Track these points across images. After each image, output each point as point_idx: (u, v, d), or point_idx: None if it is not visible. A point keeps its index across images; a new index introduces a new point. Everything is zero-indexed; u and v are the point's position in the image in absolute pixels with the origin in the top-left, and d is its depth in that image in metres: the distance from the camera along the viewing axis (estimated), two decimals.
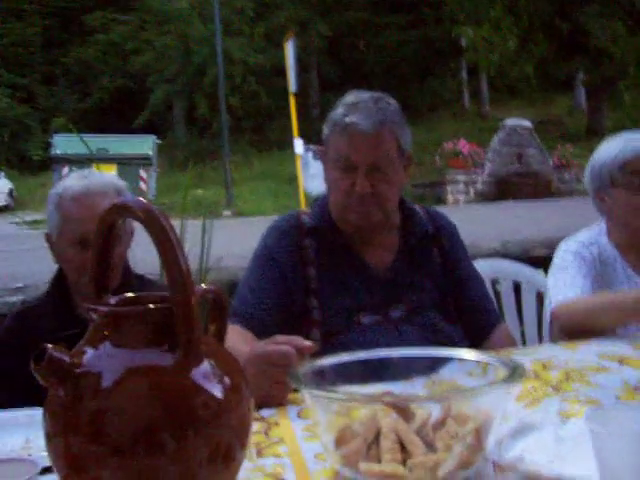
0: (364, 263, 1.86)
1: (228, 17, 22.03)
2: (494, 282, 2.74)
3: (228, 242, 5.00)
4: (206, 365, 0.76)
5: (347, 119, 1.76)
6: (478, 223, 7.99)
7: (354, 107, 1.78)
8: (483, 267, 2.74)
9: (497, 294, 2.72)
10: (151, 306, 0.76)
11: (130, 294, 0.86)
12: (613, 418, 0.90)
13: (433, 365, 1.17)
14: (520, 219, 7.69)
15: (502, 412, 1.03)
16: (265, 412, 1.33)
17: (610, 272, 2.03)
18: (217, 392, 0.75)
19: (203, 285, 0.83)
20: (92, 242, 0.83)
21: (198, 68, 22.73)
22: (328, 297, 1.81)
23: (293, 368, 1.09)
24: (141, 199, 0.75)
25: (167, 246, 0.70)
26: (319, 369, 1.12)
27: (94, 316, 0.77)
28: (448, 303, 1.89)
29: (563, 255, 2.05)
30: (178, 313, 0.73)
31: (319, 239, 1.87)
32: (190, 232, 3.59)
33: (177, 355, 0.74)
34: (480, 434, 0.98)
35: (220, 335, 0.86)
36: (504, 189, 14.82)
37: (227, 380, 0.77)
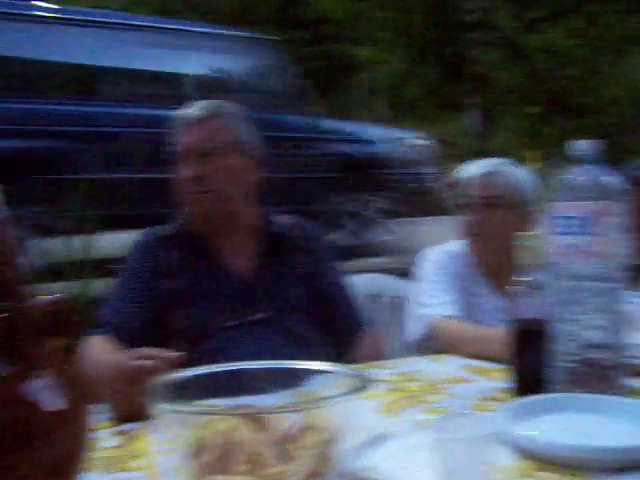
0: (225, 268, 1.89)
1: None
2: (374, 297, 2.79)
3: None
4: (42, 378, 0.75)
5: (180, 112, 1.90)
6: None
7: (191, 105, 1.91)
8: (363, 282, 2.79)
9: (377, 309, 2.78)
10: None
11: None
12: (455, 425, 0.95)
13: (293, 378, 1.19)
14: (409, 235, 7.87)
15: (352, 422, 1.06)
16: (128, 426, 1.32)
17: (472, 285, 2.12)
18: (52, 406, 0.74)
19: (48, 296, 0.82)
20: None
21: None
22: (189, 305, 1.83)
23: (148, 383, 1.08)
24: None
25: None
26: (175, 382, 1.12)
27: None
28: (312, 310, 1.94)
29: (431, 265, 2.12)
30: (12, 322, 0.72)
31: (180, 248, 1.89)
32: None
33: (11, 367, 0.73)
34: (329, 444, 1.00)
35: (66, 348, 0.84)
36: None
37: (64, 394, 0.76)
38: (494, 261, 2.09)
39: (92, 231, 3.69)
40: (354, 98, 26.01)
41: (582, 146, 1.40)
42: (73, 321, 0.85)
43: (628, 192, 1.41)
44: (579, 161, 1.40)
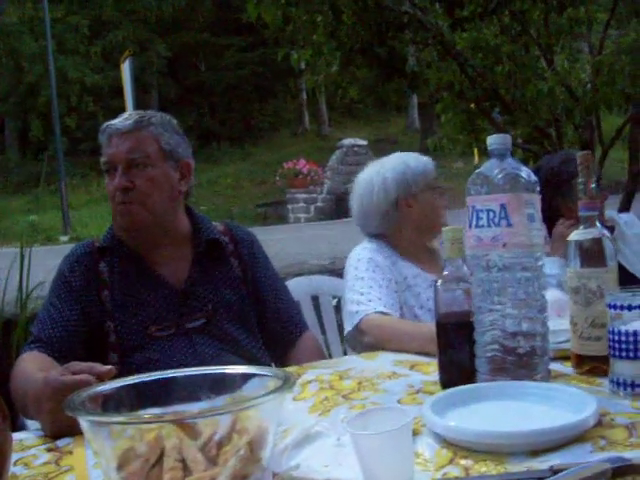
0: (158, 276, 1.89)
1: (62, 34, 21.30)
2: (314, 298, 2.82)
3: None
4: None
5: (107, 123, 1.89)
6: (313, 241, 8.20)
7: (117, 117, 1.91)
8: (303, 284, 2.83)
9: (318, 310, 2.81)
10: None
11: None
12: (370, 420, 0.97)
13: (224, 383, 1.20)
14: (355, 234, 7.94)
15: (282, 423, 1.08)
16: (61, 441, 1.31)
17: (401, 270, 2.17)
18: None
19: None
20: None
21: (30, 87, 21.75)
22: (123, 316, 1.83)
23: (68, 397, 1.07)
24: None
25: None
26: (104, 394, 1.11)
27: None
28: (248, 314, 1.95)
29: (357, 264, 2.16)
30: None
31: (112, 260, 1.89)
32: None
33: None
34: (254, 445, 1.01)
35: None
36: (343, 206, 15.24)
37: None
38: (415, 248, 2.19)
39: None
40: (295, 102, 26.11)
41: (495, 140, 1.45)
42: None
43: (540, 184, 1.46)
44: (493, 154, 1.44)
